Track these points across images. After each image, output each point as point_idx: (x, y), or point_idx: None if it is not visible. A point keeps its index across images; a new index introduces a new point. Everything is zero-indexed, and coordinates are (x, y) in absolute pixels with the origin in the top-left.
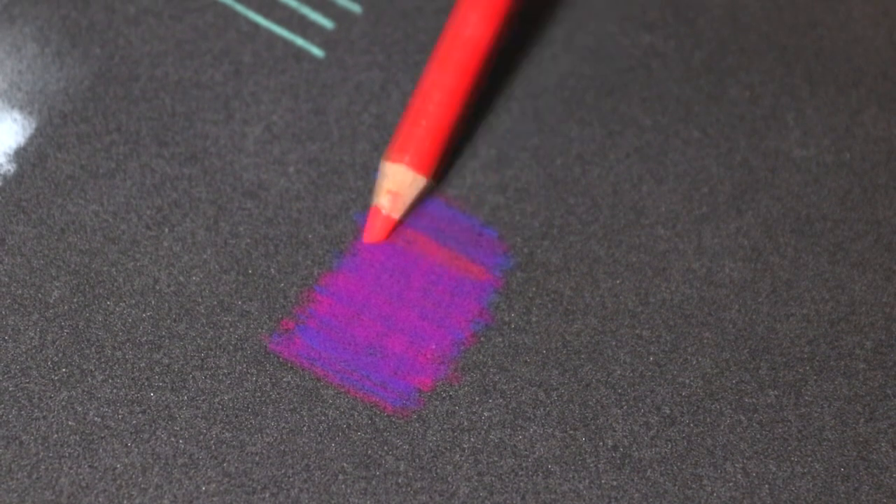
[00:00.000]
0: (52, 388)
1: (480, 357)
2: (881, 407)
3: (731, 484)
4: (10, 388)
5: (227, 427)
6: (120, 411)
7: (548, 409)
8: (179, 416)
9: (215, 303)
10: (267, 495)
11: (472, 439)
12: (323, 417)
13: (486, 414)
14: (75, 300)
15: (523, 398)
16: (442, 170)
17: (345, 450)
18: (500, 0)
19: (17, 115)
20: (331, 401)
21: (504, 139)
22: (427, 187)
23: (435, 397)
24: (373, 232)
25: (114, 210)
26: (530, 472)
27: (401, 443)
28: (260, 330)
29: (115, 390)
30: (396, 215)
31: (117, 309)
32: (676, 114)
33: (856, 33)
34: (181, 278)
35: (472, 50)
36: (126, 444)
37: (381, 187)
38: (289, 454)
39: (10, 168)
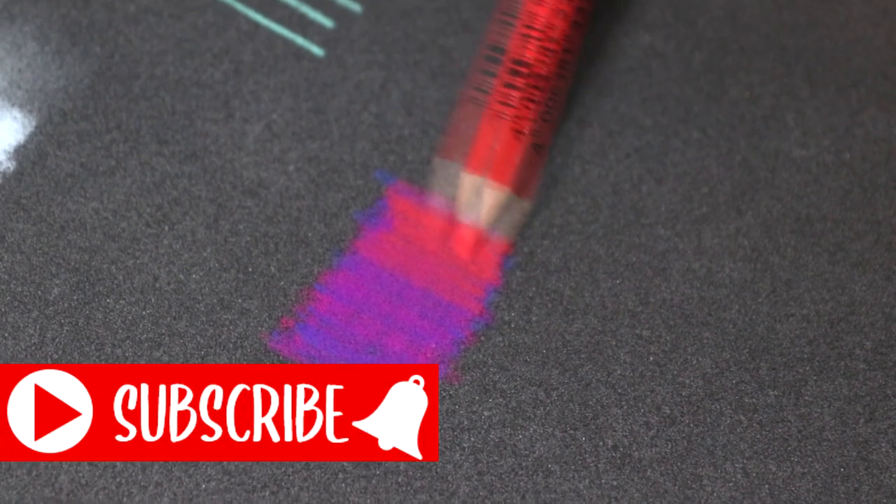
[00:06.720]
0: None
1: (480, 356)
2: (881, 407)
3: (731, 484)
4: None
5: None
6: None
7: (548, 408)
8: None
9: (215, 301)
10: (267, 493)
11: (471, 438)
12: None
13: (486, 413)
14: (75, 297)
15: (523, 397)
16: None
17: None
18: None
19: (17, 112)
20: None
21: None
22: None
23: None
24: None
25: (114, 208)
26: (530, 472)
27: None
28: (260, 328)
29: None
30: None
31: (117, 306)
32: (676, 114)
33: (856, 33)
34: (181, 276)
35: None
36: None
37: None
38: None
39: (10, 166)
